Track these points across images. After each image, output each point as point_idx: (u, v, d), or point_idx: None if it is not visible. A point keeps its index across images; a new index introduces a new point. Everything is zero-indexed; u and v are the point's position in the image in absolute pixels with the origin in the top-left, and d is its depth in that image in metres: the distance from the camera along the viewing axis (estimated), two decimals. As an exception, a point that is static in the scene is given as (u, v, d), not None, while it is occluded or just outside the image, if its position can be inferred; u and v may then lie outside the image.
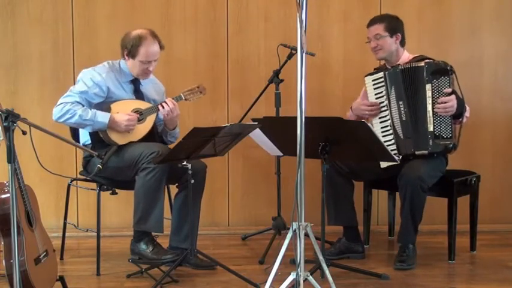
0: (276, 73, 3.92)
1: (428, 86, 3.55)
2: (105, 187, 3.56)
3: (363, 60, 4.43)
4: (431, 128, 3.55)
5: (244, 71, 4.46)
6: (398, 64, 3.67)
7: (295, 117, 2.73)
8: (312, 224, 2.85)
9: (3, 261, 2.69)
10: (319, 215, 3.19)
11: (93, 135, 3.57)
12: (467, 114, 3.62)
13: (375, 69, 3.85)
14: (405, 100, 3.59)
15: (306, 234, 2.81)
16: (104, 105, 3.56)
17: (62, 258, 3.80)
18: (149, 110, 3.60)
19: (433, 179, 3.59)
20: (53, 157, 4.23)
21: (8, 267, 2.64)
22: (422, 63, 3.58)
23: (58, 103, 3.52)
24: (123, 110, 3.54)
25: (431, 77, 3.54)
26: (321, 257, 2.95)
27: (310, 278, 2.82)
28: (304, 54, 2.69)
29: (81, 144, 3.66)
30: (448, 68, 3.54)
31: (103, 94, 3.57)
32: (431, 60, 3.61)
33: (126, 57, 3.62)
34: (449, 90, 3.52)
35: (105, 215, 4.11)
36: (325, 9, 4.45)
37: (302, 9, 2.65)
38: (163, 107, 3.57)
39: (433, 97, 3.54)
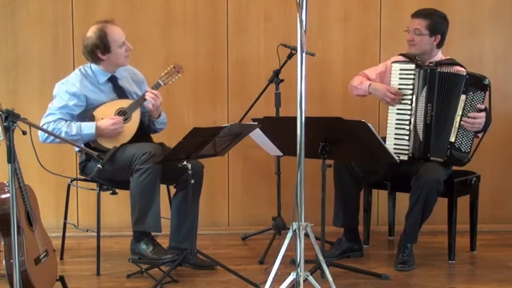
0: (276, 73, 3.92)
1: (462, 97, 3.48)
2: (105, 187, 3.56)
3: (363, 60, 4.43)
4: (453, 139, 3.51)
5: (244, 71, 4.46)
6: (435, 66, 3.57)
7: (295, 117, 2.73)
8: (312, 224, 2.86)
9: (3, 261, 2.70)
10: (319, 215, 3.19)
11: (85, 145, 3.55)
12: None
13: (401, 54, 3.74)
14: (435, 104, 3.51)
15: (306, 234, 2.81)
16: (87, 113, 3.54)
17: (62, 258, 3.80)
18: (132, 107, 3.55)
19: None
20: (53, 157, 4.21)
21: (8, 267, 2.65)
22: (463, 73, 3.51)
23: (41, 124, 3.48)
24: (107, 114, 3.52)
25: (468, 88, 3.48)
26: (321, 257, 2.95)
27: (310, 278, 2.83)
28: (304, 54, 2.69)
29: (75, 151, 3.64)
30: (486, 83, 3.49)
31: (82, 103, 3.54)
32: (465, 70, 3.55)
33: (104, 57, 3.55)
34: (482, 107, 3.48)
35: (105, 215, 4.10)
36: (325, 9, 4.44)
37: (302, 9, 2.65)
38: (145, 100, 3.53)
39: (464, 109, 3.49)
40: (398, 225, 4.17)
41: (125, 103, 3.58)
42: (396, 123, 3.61)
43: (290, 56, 3.85)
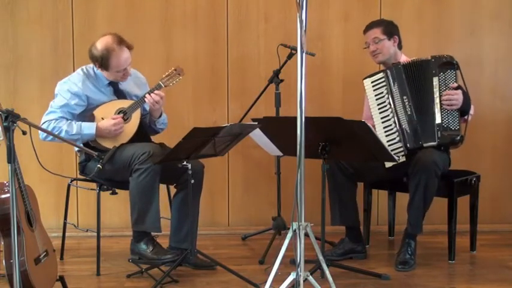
0: (276, 73, 3.92)
1: (435, 79, 3.58)
2: (105, 187, 3.55)
3: (363, 60, 4.41)
4: (439, 120, 3.56)
5: (244, 71, 4.46)
6: (399, 62, 3.69)
7: (295, 117, 2.73)
8: (312, 224, 2.85)
9: (3, 261, 2.70)
10: (319, 215, 3.18)
11: (85, 145, 3.55)
12: (471, 112, 3.63)
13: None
14: (409, 95, 3.59)
15: (306, 234, 2.81)
16: (87, 113, 3.55)
17: (62, 258, 3.80)
18: (133, 107, 3.56)
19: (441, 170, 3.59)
20: (53, 157, 4.22)
21: (8, 267, 2.64)
22: (429, 57, 3.61)
23: (42, 122, 3.51)
24: (107, 114, 3.53)
25: (438, 70, 3.58)
26: (321, 257, 2.94)
27: (310, 278, 2.82)
28: (304, 54, 2.69)
29: (75, 151, 3.65)
30: (454, 62, 3.58)
31: (83, 103, 3.55)
32: (436, 55, 3.63)
33: (100, 69, 3.58)
34: (455, 85, 3.56)
35: (105, 215, 4.11)
36: (325, 9, 4.44)
37: (302, 9, 2.65)
38: (151, 97, 3.52)
39: (440, 90, 3.57)
40: (398, 225, 4.18)
41: (125, 103, 3.59)
42: (385, 131, 3.64)
43: (290, 56, 3.85)
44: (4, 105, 2.67)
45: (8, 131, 2.49)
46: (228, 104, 4.46)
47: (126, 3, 4.37)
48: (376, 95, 3.68)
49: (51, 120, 3.50)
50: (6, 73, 4.35)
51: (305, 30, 2.66)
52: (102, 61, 3.51)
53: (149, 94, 3.55)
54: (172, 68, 3.66)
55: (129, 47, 3.56)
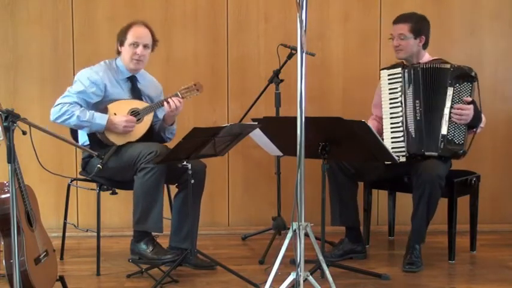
0: (276, 73, 3.92)
1: (450, 89, 3.52)
2: (105, 187, 3.56)
3: (363, 60, 4.43)
4: (444, 132, 3.53)
5: (244, 71, 4.46)
6: (419, 63, 3.64)
7: (295, 117, 2.73)
8: (312, 224, 2.85)
9: (3, 261, 2.69)
10: (319, 215, 3.18)
11: (91, 136, 3.58)
12: (482, 125, 3.60)
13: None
14: (422, 100, 3.55)
15: (306, 234, 2.81)
16: (101, 105, 3.57)
17: (62, 258, 3.80)
18: (146, 110, 3.59)
19: None
20: (53, 157, 4.22)
21: (8, 267, 2.64)
22: (448, 66, 3.55)
23: (56, 103, 3.53)
24: (120, 111, 3.55)
25: (454, 80, 3.52)
26: (321, 257, 2.94)
27: (310, 278, 2.82)
28: (304, 54, 2.69)
29: (79, 144, 3.66)
30: (473, 74, 3.52)
31: (100, 93, 3.58)
32: (456, 64, 3.57)
33: (120, 48, 3.65)
34: (469, 99, 3.51)
35: (105, 215, 4.10)
36: (325, 9, 4.44)
37: (302, 9, 2.65)
38: (168, 103, 3.56)
39: (452, 101, 3.52)
40: (398, 225, 4.18)
41: (140, 104, 3.62)
42: (391, 127, 3.63)
43: (290, 56, 3.85)
44: (4, 105, 2.67)
45: (8, 131, 2.49)
46: (228, 104, 4.46)
47: (126, 3, 4.37)
48: (390, 89, 3.65)
49: (66, 103, 3.51)
50: (6, 73, 4.35)
51: (305, 30, 2.66)
52: (122, 34, 3.63)
53: (170, 99, 3.57)
54: (193, 83, 3.69)
55: (153, 35, 3.67)
